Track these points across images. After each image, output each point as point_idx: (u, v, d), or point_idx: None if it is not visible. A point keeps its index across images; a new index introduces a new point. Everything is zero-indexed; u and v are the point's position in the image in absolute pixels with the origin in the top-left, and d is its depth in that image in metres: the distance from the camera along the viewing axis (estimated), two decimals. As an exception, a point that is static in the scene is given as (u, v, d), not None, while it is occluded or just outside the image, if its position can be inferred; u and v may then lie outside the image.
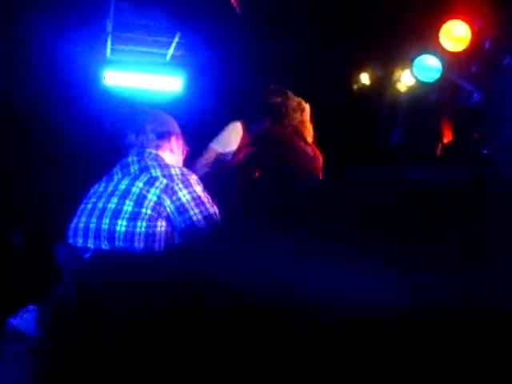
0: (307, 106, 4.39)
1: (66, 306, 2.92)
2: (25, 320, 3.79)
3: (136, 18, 6.95)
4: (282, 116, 4.29)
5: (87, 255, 3.01)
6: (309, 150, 4.28)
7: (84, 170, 3.47)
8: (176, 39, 7.70)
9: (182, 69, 8.53)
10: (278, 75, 5.16)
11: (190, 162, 4.06)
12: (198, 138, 4.68)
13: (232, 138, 4.45)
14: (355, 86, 8.23)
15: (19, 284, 6.65)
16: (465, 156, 7.75)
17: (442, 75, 6.88)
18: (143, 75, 8.55)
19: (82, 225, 3.12)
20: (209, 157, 4.38)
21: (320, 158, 4.38)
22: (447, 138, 8.05)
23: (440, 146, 8.08)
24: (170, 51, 8.15)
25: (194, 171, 3.86)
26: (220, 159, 4.41)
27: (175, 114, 3.63)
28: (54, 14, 6.35)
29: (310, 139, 4.36)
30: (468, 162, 7.76)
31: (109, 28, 7.38)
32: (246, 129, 4.46)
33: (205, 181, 3.38)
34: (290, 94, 4.38)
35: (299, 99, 4.38)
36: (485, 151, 7.51)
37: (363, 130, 8.50)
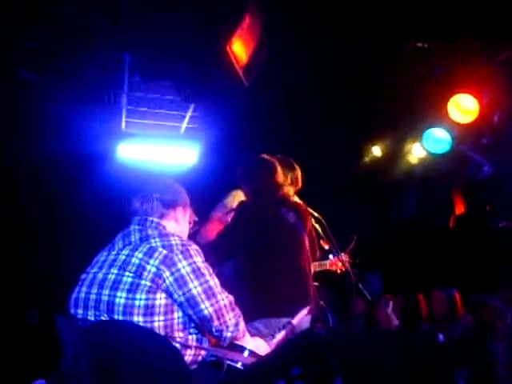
0: (278, 166, 4.49)
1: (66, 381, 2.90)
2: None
3: (149, 92, 7.07)
4: (254, 185, 4.40)
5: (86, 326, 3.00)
6: (290, 215, 4.34)
7: (98, 243, 3.45)
8: (189, 113, 7.79)
9: (196, 141, 8.56)
10: (289, 148, 5.22)
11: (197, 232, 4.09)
12: (211, 208, 4.75)
13: (233, 204, 4.52)
14: (366, 159, 8.27)
15: (32, 359, 6.65)
16: (477, 228, 7.72)
17: (452, 147, 6.91)
18: (158, 148, 8.59)
19: (82, 295, 3.12)
20: (211, 224, 4.43)
21: (306, 219, 4.45)
22: (459, 209, 8.04)
23: (452, 217, 8.06)
24: (184, 124, 8.23)
25: (198, 239, 3.90)
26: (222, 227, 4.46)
27: (189, 186, 3.64)
28: (69, 89, 6.47)
29: (292, 197, 4.45)
30: (480, 233, 7.74)
31: (123, 102, 7.49)
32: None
33: (206, 250, 3.37)
34: (258, 159, 4.50)
35: (269, 161, 4.49)
36: (501, 224, 7.48)
37: (376, 203, 8.51)
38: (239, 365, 3.04)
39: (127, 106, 7.60)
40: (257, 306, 3.99)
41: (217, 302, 3.08)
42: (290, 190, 4.57)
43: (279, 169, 4.48)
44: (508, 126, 6.53)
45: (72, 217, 8.02)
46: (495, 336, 5.60)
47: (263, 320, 4.00)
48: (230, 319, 3.12)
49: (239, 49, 4.85)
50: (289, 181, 4.68)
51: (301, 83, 6.37)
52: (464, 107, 6.38)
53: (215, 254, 4.07)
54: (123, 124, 8.16)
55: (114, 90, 7.09)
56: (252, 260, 4.19)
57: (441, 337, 2.70)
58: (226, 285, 3.25)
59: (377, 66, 6.21)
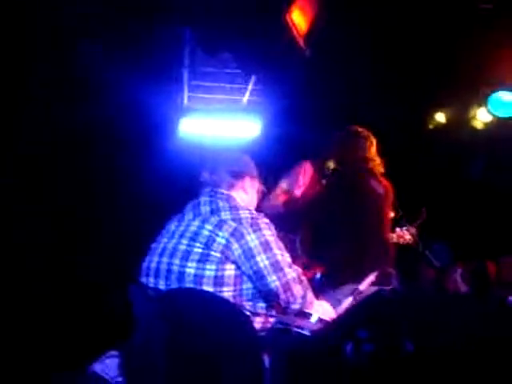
0: (373, 139, 4.48)
1: (138, 352, 2.96)
2: (106, 365, 3.83)
3: (210, 66, 7.07)
4: (348, 155, 4.40)
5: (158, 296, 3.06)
6: (379, 187, 4.35)
7: (163, 216, 3.51)
8: (251, 85, 7.77)
9: (258, 114, 8.54)
10: (351, 116, 5.19)
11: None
12: (275, 181, 4.77)
13: (300, 177, 4.54)
14: (431, 125, 8.14)
15: (104, 329, 6.80)
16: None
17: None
18: (220, 122, 8.60)
19: (153, 265, 3.19)
20: (277, 194, 4.46)
21: (391, 194, 4.44)
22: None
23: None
24: (246, 97, 8.21)
25: (264, 209, 3.93)
26: (288, 198, 4.49)
27: (254, 158, 3.66)
28: (131, 64, 6.55)
29: (381, 170, 4.45)
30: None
31: (185, 77, 7.53)
32: (315, 168, 4.57)
33: (274, 220, 3.39)
34: (355, 131, 4.49)
35: (364, 134, 4.47)
36: None
37: (441, 169, 8.39)
38: (307, 331, 3.07)
39: (189, 80, 7.64)
40: (341, 272, 4.09)
41: (284, 275, 3.12)
42: (379, 165, 4.58)
43: (372, 141, 4.52)
44: None
45: (136, 191, 8.12)
46: None
47: (348, 285, 4.06)
48: (298, 291, 3.15)
49: (299, 18, 4.83)
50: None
51: (362, 50, 6.29)
52: (531, 68, 6.21)
53: (295, 221, 4.18)
54: (185, 99, 8.21)
55: (177, 65, 7.14)
56: (340, 226, 4.25)
57: (511, 299, 2.68)
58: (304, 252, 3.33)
59: (443, 31, 6.07)
